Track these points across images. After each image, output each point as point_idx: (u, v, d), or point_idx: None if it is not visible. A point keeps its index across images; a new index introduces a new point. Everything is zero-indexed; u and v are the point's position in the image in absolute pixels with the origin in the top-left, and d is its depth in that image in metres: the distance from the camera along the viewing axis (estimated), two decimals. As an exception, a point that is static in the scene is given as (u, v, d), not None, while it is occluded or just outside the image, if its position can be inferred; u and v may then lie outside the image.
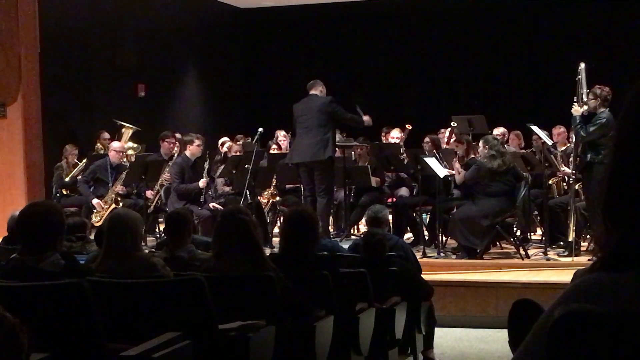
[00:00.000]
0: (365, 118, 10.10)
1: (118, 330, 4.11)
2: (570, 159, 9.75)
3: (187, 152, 10.75)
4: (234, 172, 10.81)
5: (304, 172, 10.05)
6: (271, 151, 12.79)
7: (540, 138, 11.03)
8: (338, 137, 10.92)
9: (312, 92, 10.19)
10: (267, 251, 6.29)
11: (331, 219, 10.53)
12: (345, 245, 8.18)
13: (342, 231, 10.77)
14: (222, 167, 11.57)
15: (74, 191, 11.36)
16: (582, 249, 9.58)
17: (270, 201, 11.45)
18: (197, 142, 10.70)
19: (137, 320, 4.26)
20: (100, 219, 10.12)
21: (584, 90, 9.00)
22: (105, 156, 11.23)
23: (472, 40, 16.71)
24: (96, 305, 3.89)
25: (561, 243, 9.77)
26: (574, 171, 9.47)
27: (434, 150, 10.66)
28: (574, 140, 9.43)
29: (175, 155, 11.51)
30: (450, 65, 16.71)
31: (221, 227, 4.85)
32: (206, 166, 10.73)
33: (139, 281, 4.42)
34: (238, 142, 13.00)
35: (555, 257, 9.41)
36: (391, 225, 9.51)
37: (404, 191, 11.08)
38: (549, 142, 10.94)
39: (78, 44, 13.83)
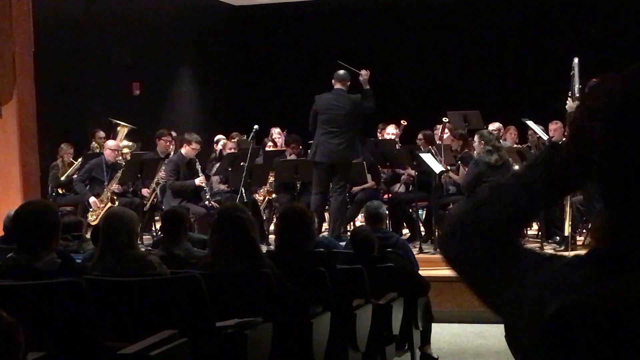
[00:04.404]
0: (362, 72, 9.99)
1: (115, 329, 4.11)
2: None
3: (183, 150, 10.76)
4: (230, 169, 10.82)
5: (322, 170, 9.84)
6: (267, 148, 12.80)
7: (535, 133, 11.04)
8: None
9: (338, 86, 9.83)
10: (264, 248, 6.29)
11: (326, 215, 10.51)
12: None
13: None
14: (218, 165, 11.57)
15: (70, 190, 11.35)
16: (579, 243, 9.60)
17: (267, 198, 11.45)
18: (194, 144, 10.68)
19: (134, 318, 4.26)
20: (97, 218, 10.12)
21: (577, 86, 9.01)
22: (100, 155, 11.22)
23: (467, 36, 16.72)
24: (93, 303, 3.89)
25: (557, 238, 9.78)
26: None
27: (429, 146, 10.66)
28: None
29: (172, 153, 11.51)
30: (445, 60, 16.71)
31: (218, 225, 4.85)
32: (198, 167, 10.72)
33: (135, 279, 4.42)
34: (233, 140, 13.00)
35: (552, 251, 9.43)
36: (388, 222, 9.52)
37: (399, 187, 11.08)
38: (545, 137, 10.95)
39: (73, 43, 13.82)
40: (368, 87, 9.95)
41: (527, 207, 1.34)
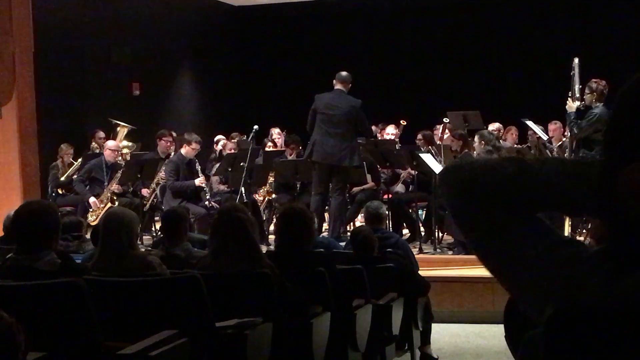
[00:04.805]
0: None
1: (115, 329, 4.11)
2: (566, 154, 9.76)
3: (183, 151, 10.76)
4: (230, 170, 10.82)
5: (321, 171, 9.81)
6: (266, 149, 12.80)
7: (535, 133, 11.04)
8: None
9: (339, 87, 9.79)
10: (264, 248, 6.29)
11: (326, 216, 10.52)
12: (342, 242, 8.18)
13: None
14: (218, 165, 11.57)
15: (70, 190, 11.35)
16: (578, 243, 9.58)
17: (266, 198, 11.45)
18: (194, 145, 10.68)
19: (134, 318, 4.26)
20: (96, 218, 10.12)
21: (577, 86, 9.01)
22: (100, 155, 11.23)
23: (466, 36, 16.71)
24: (93, 304, 3.89)
25: (557, 238, 9.78)
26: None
27: (428, 147, 10.67)
28: (569, 135, 9.45)
29: (172, 153, 11.51)
30: (445, 60, 16.71)
31: (217, 225, 4.85)
32: (198, 167, 10.72)
33: (135, 279, 4.42)
34: (233, 140, 13.01)
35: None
36: (389, 222, 9.52)
37: (399, 187, 11.09)
38: (545, 137, 10.96)
39: (72, 43, 13.81)
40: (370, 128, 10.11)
41: (562, 199, 1.29)
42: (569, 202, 1.27)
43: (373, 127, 12.35)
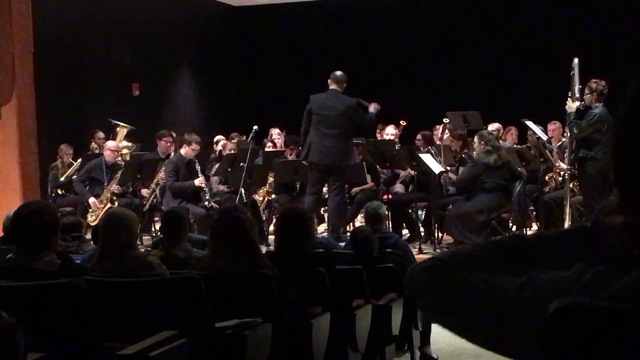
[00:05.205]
0: (372, 106, 10.00)
1: (114, 330, 4.11)
2: (566, 154, 9.77)
3: (182, 151, 10.76)
4: (229, 170, 10.82)
5: (317, 172, 9.85)
6: (266, 149, 12.80)
7: (535, 133, 11.04)
8: None
9: (334, 87, 9.84)
10: (263, 249, 6.29)
11: (325, 216, 10.52)
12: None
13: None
14: (217, 165, 11.57)
15: (70, 191, 11.36)
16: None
17: (266, 199, 11.45)
18: (194, 145, 10.68)
19: (133, 319, 4.26)
20: (96, 219, 10.12)
21: (577, 86, 9.02)
22: (100, 155, 11.23)
23: (466, 36, 16.71)
24: (92, 304, 3.89)
25: (557, 238, 9.78)
26: (569, 166, 9.48)
27: (428, 147, 10.66)
28: (568, 135, 9.45)
29: (172, 154, 11.51)
30: (444, 61, 16.70)
31: (217, 226, 4.85)
32: (198, 168, 10.72)
33: (135, 280, 4.42)
34: (233, 140, 13.01)
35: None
36: (389, 223, 9.52)
37: (399, 188, 11.08)
38: (544, 137, 10.95)
39: (72, 44, 13.81)
40: (372, 115, 9.97)
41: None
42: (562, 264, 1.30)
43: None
